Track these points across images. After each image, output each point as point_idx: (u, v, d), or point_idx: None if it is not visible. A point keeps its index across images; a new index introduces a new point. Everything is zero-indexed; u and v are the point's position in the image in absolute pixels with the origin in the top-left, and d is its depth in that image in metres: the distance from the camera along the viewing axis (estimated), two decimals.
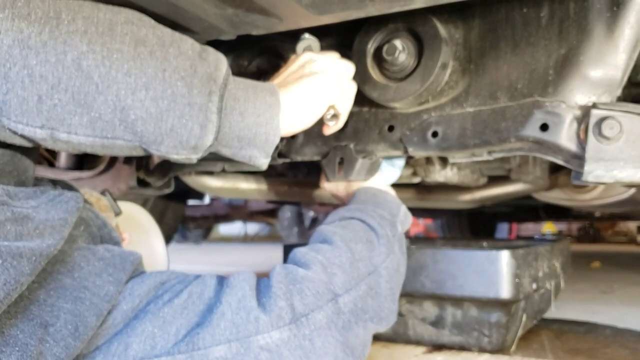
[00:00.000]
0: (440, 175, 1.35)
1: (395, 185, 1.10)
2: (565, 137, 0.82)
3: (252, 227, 8.11)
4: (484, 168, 1.54)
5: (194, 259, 4.61)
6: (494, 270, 1.11)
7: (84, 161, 1.51)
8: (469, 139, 0.90)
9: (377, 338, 1.30)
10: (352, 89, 0.85)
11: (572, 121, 0.82)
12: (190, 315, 0.65)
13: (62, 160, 1.50)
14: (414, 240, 1.69)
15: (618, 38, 0.80)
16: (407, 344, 1.26)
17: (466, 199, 1.75)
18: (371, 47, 0.95)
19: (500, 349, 1.18)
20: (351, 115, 0.98)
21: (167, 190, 1.41)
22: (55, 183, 0.75)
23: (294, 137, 1.07)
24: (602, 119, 0.78)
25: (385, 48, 0.90)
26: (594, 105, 0.80)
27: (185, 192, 2.39)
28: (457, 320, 1.19)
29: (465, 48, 0.93)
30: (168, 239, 2.64)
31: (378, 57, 0.93)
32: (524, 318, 1.24)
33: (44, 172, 1.45)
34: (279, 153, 1.09)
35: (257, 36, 0.90)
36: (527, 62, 0.87)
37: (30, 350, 0.52)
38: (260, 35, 0.90)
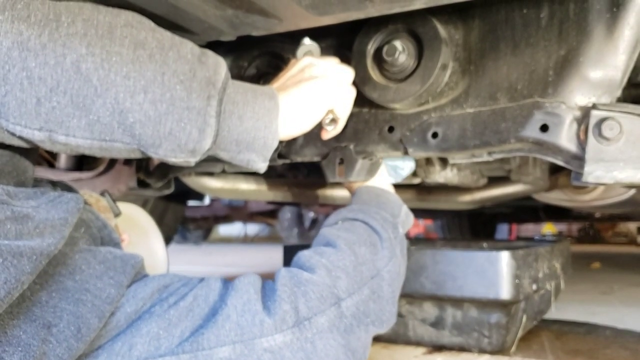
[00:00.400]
0: (440, 176, 1.35)
1: (395, 186, 1.10)
2: (565, 138, 0.82)
3: (252, 228, 8.11)
4: (484, 169, 1.54)
5: (194, 259, 4.60)
6: (494, 271, 1.11)
7: (83, 162, 1.51)
8: (469, 139, 0.90)
9: (377, 339, 1.29)
10: (352, 93, 0.85)
11: (572, 122, 0.82)
12: (196, 318, 0.65)
13: (62, 161, 1.50)
14: (414, 241, 1.69)
15: (618, 39, 0.80)
16: (407, 344, 1.26)
17: (466, 200, 1.75)
18: (371, 48, 0.95)
19: (500, 350, 1.18)
20: (351, 116, 0.98)
21: (167, 191, 1.41)
22: (54, 184, 0.75)
23: (294, 138, 1.07)
24: (602, 120, 0.78)
25: (385, 49, 0.90)
26: (594, 106, 0.80)
27: (185, 193, 2.39)
28: (457, 321, 1.19)
29: (465, 49, 0.93)
30: (168, 240, 2.64)
31: (378, 58, 0.93)
32: (524, 319, 1.24)
33: (43, 172, 1.45)
34: (279, 154, 1.09)
35: (257, 37, 0.90)
36: (527, 63, 0.87)
37: (33, 350, 0.52)
38: (260, 36, 0.90)
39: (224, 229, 8.27)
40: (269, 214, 6.39)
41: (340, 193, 1.75)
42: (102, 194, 0.99)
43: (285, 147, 1.08)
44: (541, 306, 1.39)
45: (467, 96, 0.92)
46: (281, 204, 4.75)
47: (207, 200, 5.54)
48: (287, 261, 0.85)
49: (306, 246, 0.83)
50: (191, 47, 0.64)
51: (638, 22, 0.79)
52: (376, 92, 0.94)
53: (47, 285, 0.57)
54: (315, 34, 0.92)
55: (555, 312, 1.51)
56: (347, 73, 0.84)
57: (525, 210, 3.45)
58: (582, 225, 6.30)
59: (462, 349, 1.20)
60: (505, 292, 1.11)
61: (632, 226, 6.00)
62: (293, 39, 1.04)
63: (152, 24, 0.62)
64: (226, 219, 6.62)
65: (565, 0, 0.84)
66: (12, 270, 0.49)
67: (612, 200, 1.79)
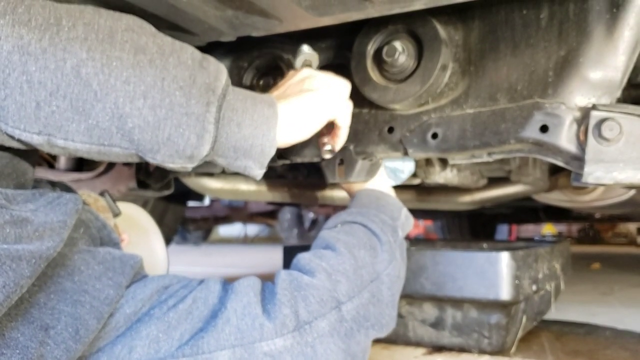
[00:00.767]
0: (440, 176, 1.35)
1: (395, 187, 1.10)
2: (565, 138, 0.82)
3: (252, 229, 8.11)
4: (484, 169, 1.54)
5: (194, 260, 4.60)
6: (494, 272, 1.11)
7: (83, 163, 1.52)
8: (469, 140, 0.90)
9: (377, 340, 1.29)
10: (350, 106, 0.86)
11: (572, 123, 0.82)
12: (195, 320, 0.65)
13: (62, 161, 1.50)
14: (414, 241, 1.69)
15: (617, 40, 0.80)
16: (407, 345, 1.26)
17: (466, 201, 1.75)
18: (371, 48, 0.95)
19: (500, 351, 1.18)
20: (351, 116, 0.98)
21: (167, 192, 1.41)
22: (54, 185, 0.75)
23: None
24: (602, 121, 0.78)
25: (385, 49, 0.91)
26: (594, 107, 0.80)
27: (185, 194, 2.39)
28: (457, 321, 1.19)
29: (465, 50, 0.93)
30: (168, 240, 2.64)
31: (378, 58, 0.93)
32: (524, 319, 1.24)
33: (43, 173, 1.45)
34: (279, 155, 1.09)
35: (256, 38, 0.90)
36: (526, 64, 0.87)
37: (30, 352, 0.52)
38: (260, 37, 0.90)
39: (224, 230, 8.27)
40: (268, 215, 6.39)
41: (340, 194, 1.75)
42: (102, 194, 0.99)
43: (285, 148, 1.08)
44: (541, 307, 1.39)
45: (467, 97, 0.92)
46: (281, 205, 4.75)
47: (207, 201, 5.54)
48: (287, 262, 0.85)
49: (306, 247, 0.83)
50: (192, 53, 0.64)
51: (638, 22, 0.79)
52: (376, 92, 0.94)
53: (46, 287, 0.57)
54: (315, 34, 0.92)
55: (555, 313, 1.51)
56: (345, 86, 0.84)
57: (525, 210, 3.45)
58: (582, 226, 6.30)
59: (462, 349, 1.20)
60: (505, 292, 1.11)
61: (632, 227, 6.00)
62: (293, 39, 1.04)
63: (153, 29, 0.62)
64: (226, 219, 6.63)
65: (565, 1, 0.84)
66: (11, 274, 0.49)
67: (612, 201, 1.79)
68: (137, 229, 1.31)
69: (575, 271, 1.91)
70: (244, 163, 0.69)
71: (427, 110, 0.94)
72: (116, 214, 0.99)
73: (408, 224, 0.97)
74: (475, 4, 0.88)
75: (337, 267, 0.74)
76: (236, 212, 6.31)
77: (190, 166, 0.65)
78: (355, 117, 1.00)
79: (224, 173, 1.51)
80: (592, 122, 0.79)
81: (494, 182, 1.66)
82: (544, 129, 0.83)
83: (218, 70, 0.65)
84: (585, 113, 0.81)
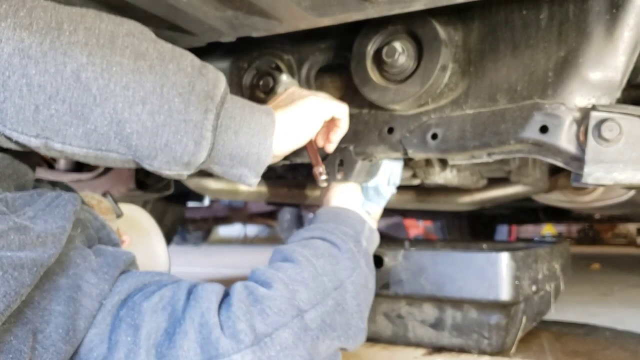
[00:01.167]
0: (440, 177, 1.35)
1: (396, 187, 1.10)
2: (564, 139, 0.82)
3: (252, 229, 8.10)
4: (484, 170, 1.54)
5: (194, 261, 4.60)
6: (494, 272, 1.11)
7: (83, 163, 1.51)
8: (469, 141, 0.90)
9: (376, 340, 1.30)
10: (345, 105, 0.88)
11: (572, 123, 0.82)
12: (160, 319, 0.62)
13: (62, 162, 1.50)
14: (413, 242, 1.69)
15: (617, 40, 0.80)
16: (407, 346, 1.26)
17: (466, 201, 1.75)
18: (371, 49, 0.95)
19: (500, 351, 1.18)
20: (351, 117, 0.98)
21: (167, 192, 1.41)
22: (54, 184, 0.75)
23: None
24: (602, 121, 0.78)
25: (384, 50, 0.91)
26: (594, 107, 0.80)
27: (184, 194, 2.39)
28: (456, 322, 1.19)
29: (464, 50, 0.93)
30: (167, 241, 2.63)
31: (378, 59, 0.93)
32: (524, 320, 1.24)
33: (43, 174, 1.45)
34: None
35: (256, 38, 0.90)
36: (526, 64, 0.87)
37: (23, 357, 0.52)
38: (260, 37, 0.90)
39: (224, 230, 8.27)
40: (268, 215, 6.39)
41: None
42: (104, 195, 0.99)
43: None
44: (541, 307, 1.39)
45: (467, 97, 0.92)
46: (281, 205, 4.75)
47: (206, 201, 5.53)
48: (248, 278, 0.79)
49: None
50: (191, 60, 0.64)
51: (637, 23, 0.79)
52: (376, 93, 0.94)
53: (41, 284, 0.56)
54: (315, 35, 0.92)
55: (554, 314, 1.51)
56: (329, 96, 0.88)
57: (525, 211, 3.45)
58: (581, 227, 6.29)
59: (461, 350, 1.20)
60: (505, 293, 1.11)
61: (631, 227, 6.00)
62: (293, 40, 1.04)
63: (153, 35, 0.62)
64: (226, 220, 6.62)
65: (564, 1, 0.84)
66: (12, 282, 0.49)
67: (611, 201, 1.79)
68: (139, 230, 1.31)
69: (575, 272, 1.90)
70: (240, 171, 0.69)
71: (427, 110, 0.94)
72: (118, 215, 0.99)
73: (373, 238, 0.93)
74: (475, 5, 0.88)
75: (294, 276, 0.70)
76: (236, 212, 6.31)
77: (186, 173, 0.65)
78: (355, 117, 1.00)
79: None
80: (592, 122, 0.79)
81: (493, 182, 1.65)
82: (543, 129, 0.83)
83: (217, 77, 0.65)
84: (585, 114, 0.81)
